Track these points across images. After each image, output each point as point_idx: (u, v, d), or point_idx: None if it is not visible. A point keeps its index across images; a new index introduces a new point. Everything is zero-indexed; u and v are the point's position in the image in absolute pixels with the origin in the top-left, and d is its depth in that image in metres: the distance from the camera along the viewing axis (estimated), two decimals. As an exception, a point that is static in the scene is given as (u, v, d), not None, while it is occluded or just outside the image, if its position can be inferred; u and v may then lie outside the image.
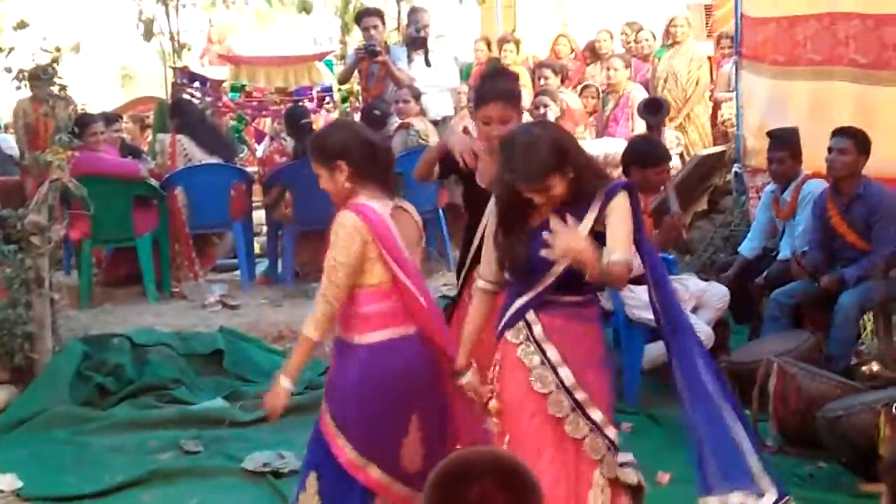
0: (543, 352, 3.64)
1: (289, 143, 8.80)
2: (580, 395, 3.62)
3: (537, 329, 3.66)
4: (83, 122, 7.97)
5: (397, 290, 3.75)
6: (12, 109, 9.64)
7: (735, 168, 8.51)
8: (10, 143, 10.45)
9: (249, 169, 9.53)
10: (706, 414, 3.75)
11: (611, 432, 3.67)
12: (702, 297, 6.15)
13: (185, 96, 10.37)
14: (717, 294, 6.20)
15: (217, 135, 9.00)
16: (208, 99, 10.98)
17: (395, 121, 8.88)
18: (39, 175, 6.89)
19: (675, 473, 5.07)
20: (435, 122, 9.28)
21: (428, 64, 9.79)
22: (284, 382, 3.86)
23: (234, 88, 12.40)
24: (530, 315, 3.66)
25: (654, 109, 8.50)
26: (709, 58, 10.52)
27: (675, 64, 10.18)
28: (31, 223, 6.28)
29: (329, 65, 13.28)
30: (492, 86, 4.57)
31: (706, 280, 6.53)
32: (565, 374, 3.62)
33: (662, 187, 6.31)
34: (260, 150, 10.22)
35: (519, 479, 1.88)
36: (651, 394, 6.10)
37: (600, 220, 3.55)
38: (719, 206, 9.18)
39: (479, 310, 3.87)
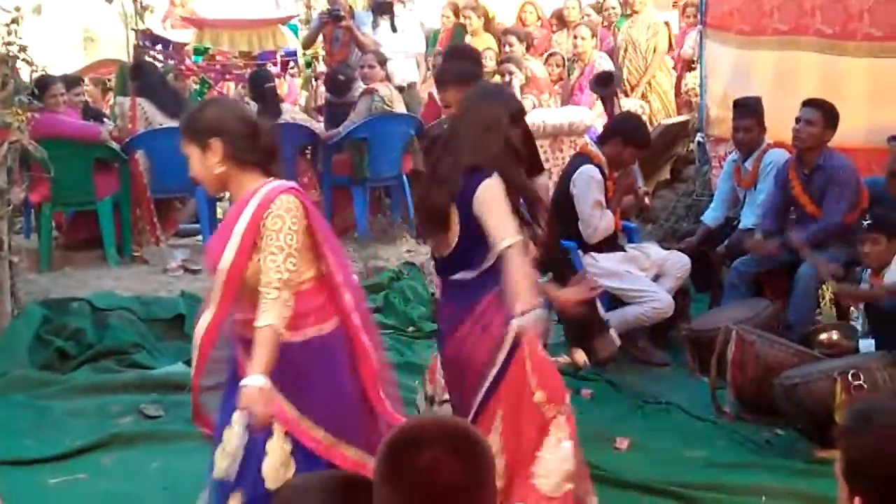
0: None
1: (252, 107, 8.73)
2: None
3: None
4: (43, 84, 7.86)
5: (326, 285, 3.49)
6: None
7: (698, 137, 8.54)
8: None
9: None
10: None
11: None
12: (663, 266, 6.20)
13: (148, 59, 10.23)
14: (678, 263, 6.25)
15: (177, 98, 8.90)
16: (171, 62, 10.87)
17: (360, 86, 8.83)
18: (-1, 136, 6.80)
19: (633, 439, 5.12)
20: (400, 88, 9.26)
21: (394, 29, 9.76)
22: (261, 381, 3.25)
23: (197, 52, 12.29)
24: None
25: (604, 82, 8.54)
26: (666, 23, 10.50)
27: (633, 33, 10.21)
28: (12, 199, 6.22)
29: (293, 29, 13.19)
30: (448, 69, 4.52)
31: (668, 249, 6.57)
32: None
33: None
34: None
35: (469, 444, 1.88)
36: (612, 360, 6.13)
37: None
38: (682, 175, 9.23)
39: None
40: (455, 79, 4.39)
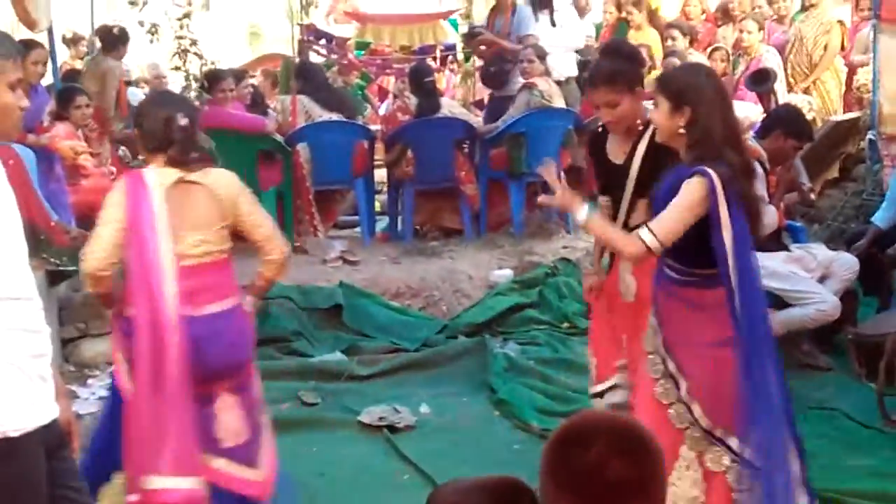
0: (666, 363, 3.61)
1: (412, 101, 8.81)
2: (696, 410, 3.55)
3: (660, 344, 3.63)
4: (214, 78, 8.10)
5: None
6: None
7: (869, 135, 8.21)
8: (139, 97, 10.69)
9: (372, 127, 9.58)
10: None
11: (733, 444, 3.49)
12: (830, 267, 5.98)
13: (311, 53, 10.44)
14: (845, 264, 6.02)
15: (339, 98, 9.05)
16: (334, 56, 11.07)
17: (519, 80, 8.81)
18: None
19: (795, 445, 4.95)
20: (559, 83, 9.18)
21: (553, 24, 9.67)
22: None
23: (359, 46, 12.49)
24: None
25: (760, 80, 8.31)
26: (840, 22, 10.10)
27: (803, 28, 9.86)
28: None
29: (453, 23, 13.27)
30: (598, 68, 4.32)
31: (835, 250, 6.34)
32: (683, 386, 3.55)
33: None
34: (383, 108, 10.29)
35: (636, 442, 1.84)
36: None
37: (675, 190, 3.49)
38: (851, 174, 8.90)
39: None
40: (601, 78, 4.20)
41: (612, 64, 4.18)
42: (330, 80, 9.86)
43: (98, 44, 11.17)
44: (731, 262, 3.40)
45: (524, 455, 4.82)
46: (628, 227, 4.10)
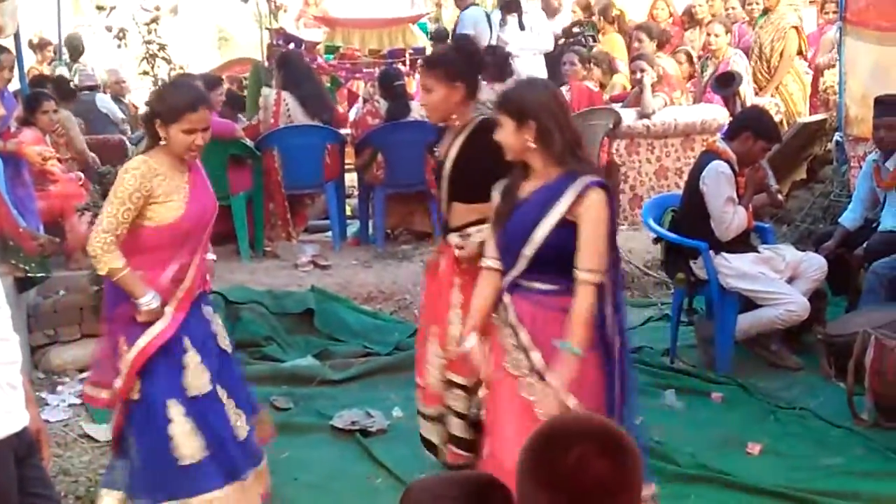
0: (517, 335, 3.56)
1: (381, 105, 8.80)
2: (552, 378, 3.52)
3: (511, 311, 3.57)
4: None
5: None
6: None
7: (836, 137, 8.29)
8: (106, 103, 10.64)
9: (342, 131, 9.56)
10: None
11: None
12: (798, 268, 6.03)
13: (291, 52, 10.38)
14: (814, 265, 6.07)
15: (320, 92, 9.01)
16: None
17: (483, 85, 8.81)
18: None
19: (766, 445, 5.00)
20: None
21: (521, 27, 9.72)
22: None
23: (328, 50, 12.45)
24: (506, 297, 3.59)
25: (725, 83, 8.37)
26: (795, 28, 10.14)
27: (762, 34, 9.96)
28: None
29: (423, 27, 13.27)
30: (431, 52, 4.42)
31: (803, 250, 6.39)
32: (536, 358, 3.51)
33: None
34: (353, 112, 10.24)
35: (617, 444, 1.85)
36: (744, 364, 6.02)
37: (571, 212, 3.45)
38: (819, 175, 8.97)
39: (481, 286, 3.75)
40: (428, 62, 4.33)
41: (444, 51, 4.25)
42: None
43: (65, 52, 11.14)
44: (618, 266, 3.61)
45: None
46: (449, 228, 4.33)
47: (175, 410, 3.92)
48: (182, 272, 3.95)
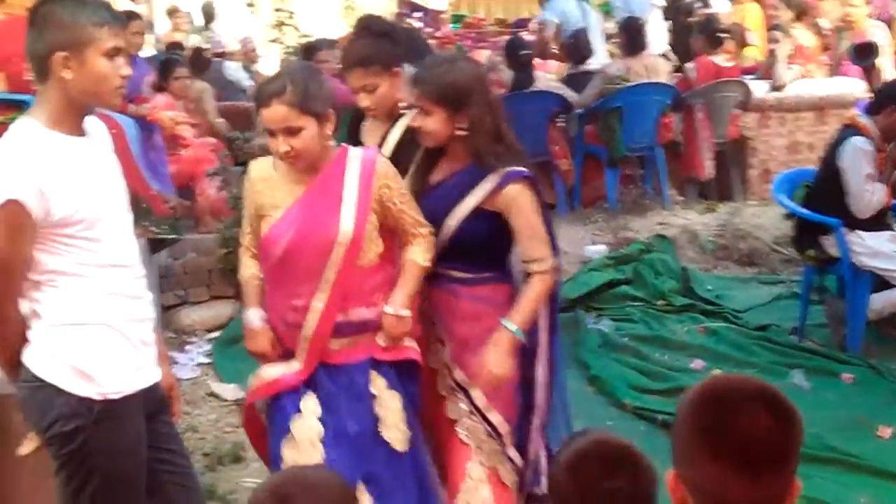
0: (434, 324, 3.46)
1: (506, 74, 8.75)
2: (458, 374, 3.42)
3: (427, 302, 3.45)
4: (311, 50, 8.14)
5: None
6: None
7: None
8: (233, 71, 10.80)
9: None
10: None
11: (495, 419, 3.40)
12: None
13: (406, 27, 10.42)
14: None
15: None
16: (428, 29, 11.04)
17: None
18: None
19: (897, 428, 4.84)
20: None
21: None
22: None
23: (454, 19, 12.44)
24: (423, 285, 3.41)
25: (864, 53, 8.06)
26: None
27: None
28: (257, 146, 6.49)
29: (549, -3, 13.12)
30: (350, 49, 3.82)
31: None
32: (446, 351, 3.43)
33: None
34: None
35: (784, 406, 1.80)
36: (875, 345, 5.83)
37: (490, 203, 3.31)
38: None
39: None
40: (355, 60, 3.73)
41: (365, 44, 3.75)
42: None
43: (200, 18, 11.35)
44: None
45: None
46: None
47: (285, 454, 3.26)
48: (298, 315, 3.22)
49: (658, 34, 9.76)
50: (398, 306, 3.24)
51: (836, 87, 8.69)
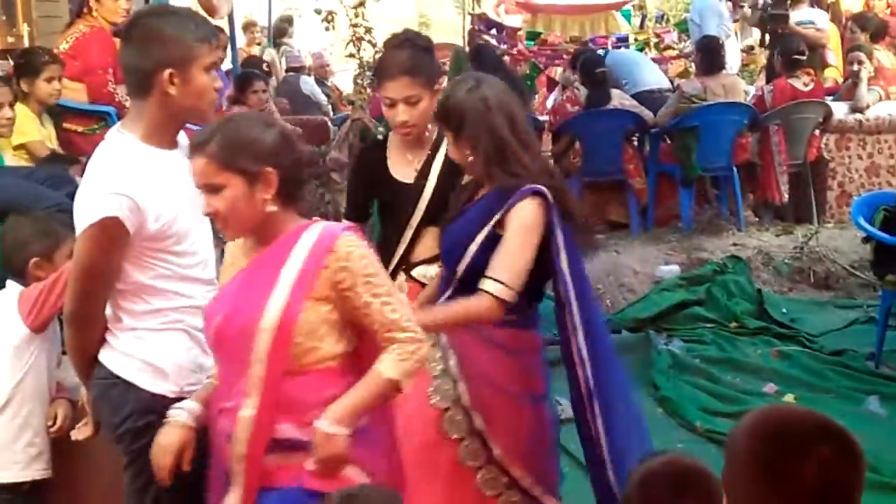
0: (447, 360, 3.24)
1: (581, 91, 8.72)
2: (478, 420, 3.20)
3: (444, 335, 3.24)
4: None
5: None
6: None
7: None
8: (310, 85, 10.90)
9: (540, 117, 9.53)
10: None
11: (515, 472, 3.22)
12: None
13: (484, 42, 10.46)
14: None
15: (513, 81, 9.03)
16: (504, 46, 11.06)
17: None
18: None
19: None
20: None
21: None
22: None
23: (529, 36, 12.45)
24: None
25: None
26: None
27: None
28: (332, 160, 6.56)
29: (626, 15, 13.10)
30: (393, 58, 3.55)
31: None
32: (462, 389, 3.21)
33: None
34: (551, 98, 10.20)
35: (850, 442, 1.76)
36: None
37: (501, 225, 3.10)
38: None
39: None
40: (406, 69, 3.48)
41: (411, 54, 3.51)
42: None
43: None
44: (570, 285, 3.18)
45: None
46: (410, 262, 3.58)
47: None
48: (229, 422, 2.62)
49: (733, 54, 9.67)
50: (332, 421, 2.54)
51: (918, 111, 8.54)
